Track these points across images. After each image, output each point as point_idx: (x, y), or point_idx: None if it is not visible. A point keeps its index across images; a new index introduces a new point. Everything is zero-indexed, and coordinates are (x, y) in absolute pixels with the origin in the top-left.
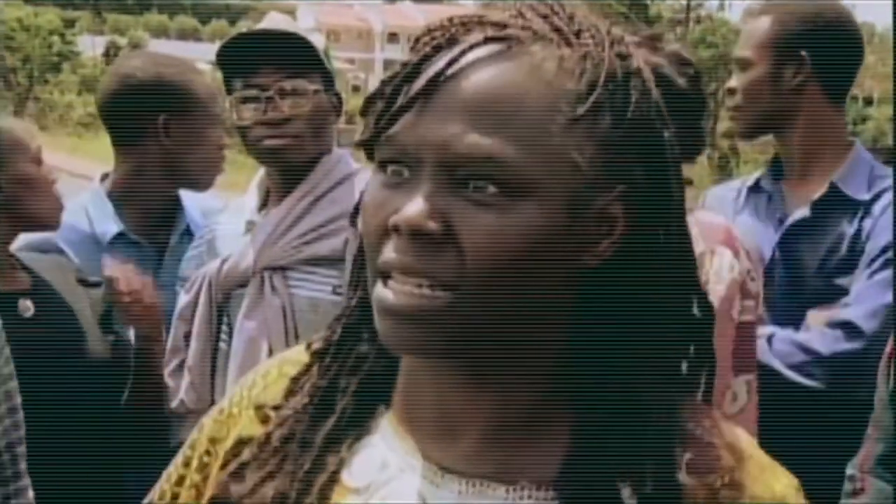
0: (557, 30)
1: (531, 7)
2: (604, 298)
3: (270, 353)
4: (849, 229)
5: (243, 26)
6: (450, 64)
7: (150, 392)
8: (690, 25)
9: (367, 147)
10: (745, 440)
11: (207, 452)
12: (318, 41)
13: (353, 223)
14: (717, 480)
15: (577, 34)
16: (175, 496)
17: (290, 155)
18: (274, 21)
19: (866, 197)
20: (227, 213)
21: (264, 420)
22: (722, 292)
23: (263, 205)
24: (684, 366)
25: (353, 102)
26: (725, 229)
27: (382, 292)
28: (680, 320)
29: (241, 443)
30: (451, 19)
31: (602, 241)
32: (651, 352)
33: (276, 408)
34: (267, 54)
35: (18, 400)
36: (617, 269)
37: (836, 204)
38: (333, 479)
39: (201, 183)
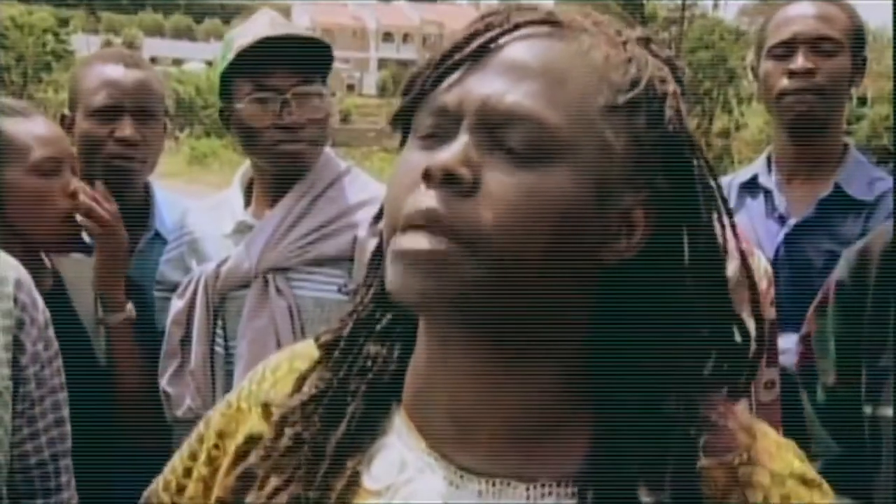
0: (605, 34)
1: (584, 14)
2: (623, 301)
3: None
4: (854, 229)
5: (236, 24)
6: (502, 34)
7: (127, 345)
8: (685, 25)
9: (405, 119)
10: (759, 422)
11: (216, 447)
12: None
13: (377, 222)
14: (734, 459)
15: (624, 44)
16: (181, 488)
17: (304, 160)
18: (275, 20)
19: (870, 198)
20: (203, 213)
21: (269, 420)
22: (765, 290)
23: (247, 203)
24: (708, 367)
25: (348, 101)
26: (741, 229)
27: (399, 239)
28: (696, 330)
29: (252, 440)
30: (507, 5)
31: (622, 240)
32: (673, 355)
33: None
34: (284, 57)
35: (66, 412)
36: (637, 273)
37: (840, 204)
38: (353, 481)
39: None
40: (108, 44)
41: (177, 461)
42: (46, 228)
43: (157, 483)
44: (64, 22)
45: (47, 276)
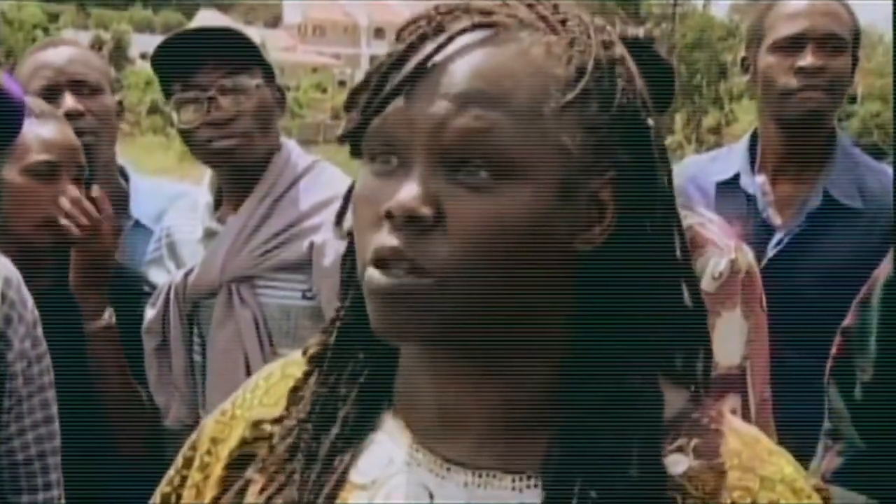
0: (543, 18)
1: None
2: (601, 286)
3: (247, 363)
4: (846, 238)
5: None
6: (438, 49)
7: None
8: (676, 21)
9: (354, 140)
10: (751, 428)
11: (209, 452)
12: (254, 35)
13: (339, 223)
14: (724, 463)
15: (563, 22)
16: (179, 498)
17: (240, 155)
18: (206, 19)
19: (859, 205)
20: (183, 213)
21: (260, 435)
22: (759, 289)
23: (217, 205)
24: (679, 356)
25: (339, 98)
26: (723, 223)
27: (372, 274)
28: (673, 309)
29: (245, 443)
30: (435, 8)
31: (593, 226)
32: (646, 340)
33: (277, 420)
34: (204, 53)
35: (55, 410)
36: (611, 256)
37: (831, 215)
38: (341, 477)
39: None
40: (97, 39)
41: (172, 473)
42: (29, 229)
43: (156, 497)
44: (54, 17)
45: (43, 276)
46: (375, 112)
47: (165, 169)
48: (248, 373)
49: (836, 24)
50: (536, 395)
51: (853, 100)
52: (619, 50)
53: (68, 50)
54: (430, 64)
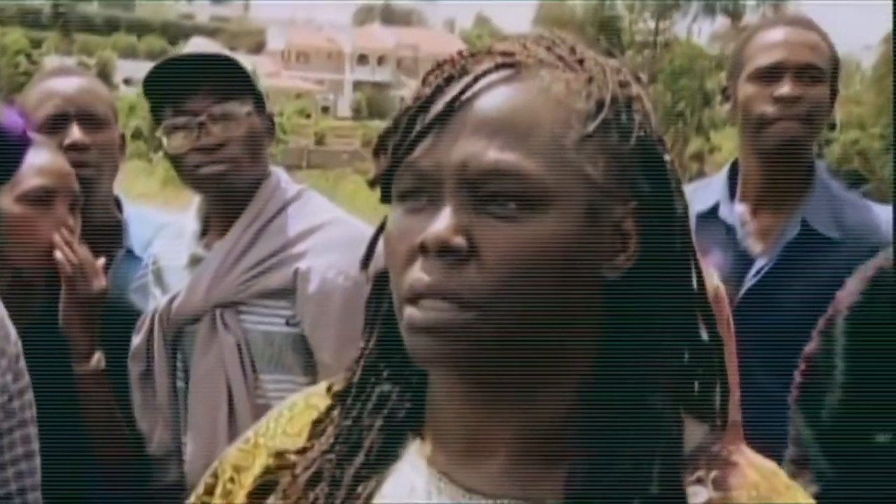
0: (561, 58)
1: (534, 40)
2: (626, 314)
3: (229, 390)
4: (824, 268)
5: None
6: (464, 89)
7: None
8: (658, 49)
9: (384, 182)
10: (769, 462)
11: (231, 480)
12: (246, 63)
13: (365, 267)
14: (743, 496)
15: (580, 62)
16: None
17: (228, 181)
18: (199, 45)
19: (837, 235)
20: (169, 240)
21: (282, 465)
22: (726, 310)
23: (204, 232)
24: (696, 385)
25: (323, 123)
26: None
27: (411, 311)
28: (687, 338)
29: (269, 471)
30: (460, 52)
31: (618, 254)
32: (667, 368)
33: (300, 451)
34: (195, 79)
35: (36, 446)
36: (635, 284)
37: (808, 245)
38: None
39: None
40: (81, 65)
41: (193, 500)
42: (26, 258)
43: None
44: (37, 44)
45: (35, 305)
46: (407, 151)
47: (148, 194)
48: (230, 400)
49: (814, 54)
50: (559, 422)
51: (833, 127)
52: (636, 89)
53: (78, 80)
54: (457, 104)
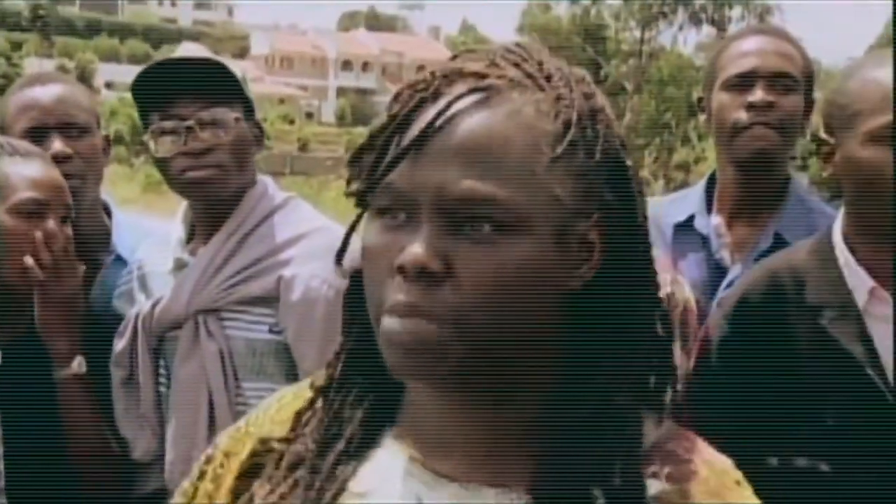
0: (530, 76)
1: (503, 56)
2: (590, 318)
3: (210, 397)
4: None
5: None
6: (439, 115)
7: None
8: (643, 59)
9: (360, 196)
10: (723, 459)
11: (221, 465)
12: (237, 69)
13: (339, 263)
14: (694, 489)
15: (548, 78)
16: None
17: (213, 187)
18: (189, 50)
19: None
20: (154, 246)
21: (266, 450)
22: (693, 321)
23: (190, 238)
24: (652, 380)
25: (306, 129)
26: (664, 258)
27: (388, 322)
28: (647, 337)
29: (254, 455)
30: (432, 73)
31: (582, 265)
32: (627, 366)
33: (283, 440)
34: (184, 83)
35: (1, 467)
36: (596, 292)
37: None
38: (342, 487)
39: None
40: (61, 68)
41: (187, 485)
42: (18, 271)
43: None
44: (17, 46)
45: (24, 317)
46: (384, 173)
47: (129, 200)
48: (212, 407)
49: (787, 63)
50: (524, 418)
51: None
52: (600, 100)
53: (57, 88)
54: (432, 129)
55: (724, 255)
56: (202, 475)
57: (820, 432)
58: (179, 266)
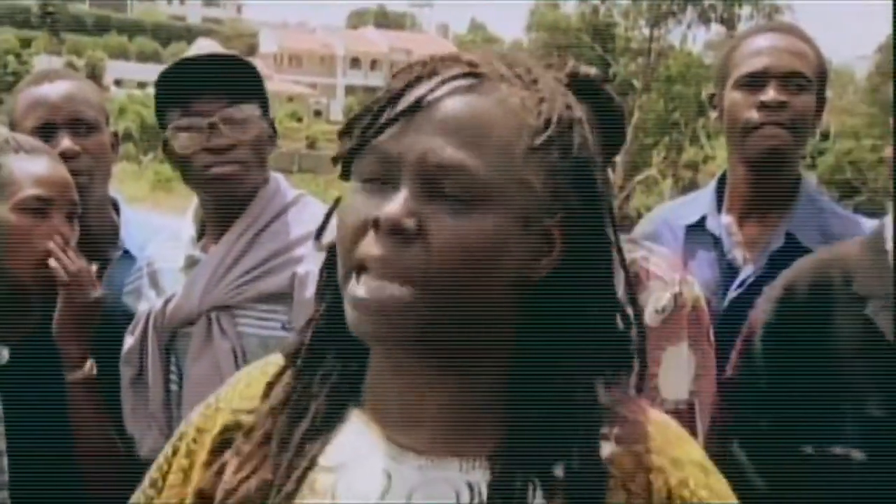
0: (519, 76)
1: (497, 56)
2: (544, 308)
3: None
4: None
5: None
6: (433, 89)
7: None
8: (652, 57)
9: (345, 161)
10: (666, 418)
11: (195, 440)
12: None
13: (319, 238)
14: (642, 448)
15: (534, 82)
16: (165, 481)
17: (235, 183)
18: (204, 47)
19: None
20: (165, 242)
21: (238, 423)
22: (705, 320)
23: (201, 235)
24: (608, 370)
25: (315, 127)
26: (674, 258)
27: (355, 287)
28: (603, 330)
29: (227, 430)
30: (431, 56)
31: (543, 258)
32: (580, 352)
33: (252, 411)
34: (207, 80)
35: (3, 445)
36: (554, 285)
37: (793, 257)
38: (312, 462)
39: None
40: (70, 66)
41: (161, 460)
42: (23, 268)
43: (145, 482)
44: (26, 43)
45: (31, 316)
46: (374, 135)
47: (137, 197)
48: None
49: (801, 62)
50: (484, 393)
51: (826, 137)
52: (578, 113)
53: (65, 85)
54: (424, 101)
55: (737, 255)
56: (175, 451)
57: (861, 421)
58: (191, 263)
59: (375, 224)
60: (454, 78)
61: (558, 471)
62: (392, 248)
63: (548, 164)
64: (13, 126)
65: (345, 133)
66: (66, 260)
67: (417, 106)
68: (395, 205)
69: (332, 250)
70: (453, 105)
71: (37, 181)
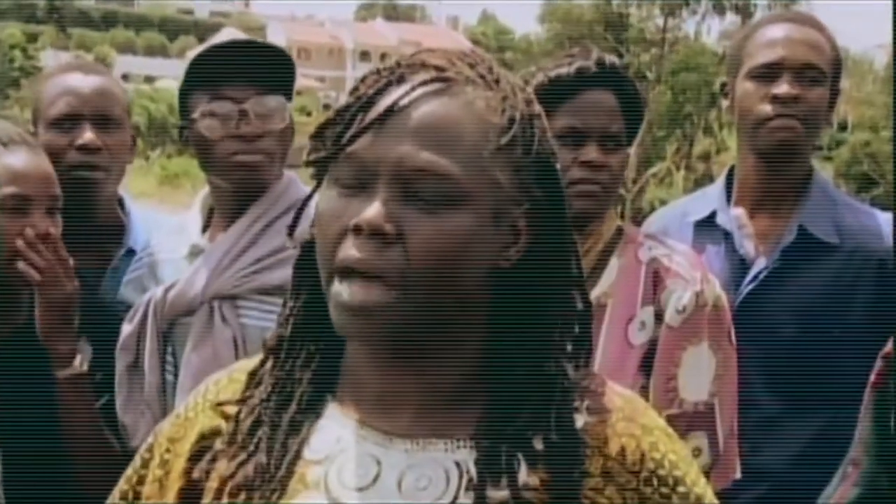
0: (482, 76)
1: (459, 57)
2: (512, 292)
3: None
4: (821, 273)
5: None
6: (404, 95)
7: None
8: (666, 48)
9: (319, 165)
10: (627, 390)
11: (168, 451)
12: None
13: (291, 234)
14: (613, 417)
15: (496, 81)
16: (137, 495)
17: (258, 173)
18: (232, 35)
19: (835, 241)
20: (168, 234)
21: (224, 416)
22: (727, 320)
23: (206, 226)
24: (569, 346)
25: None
26: (695, 256)
27: (338, 289)
28: (566, 311)
29: (204, 437)
30: (397, 62)
31: (511, 248)
32: (547, 333)
33: (239, 401)
34: (241, 67)
35: None
36: (521, 271)
37: (806, 250)
38: (297, 456)
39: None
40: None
41: (130, 472)
42: (4, 266)
43: (115, 494)
44: (33, 38)
45: (19, 312)
46: (348, 143)
47: (144, 193)
48: None
49: (815, 54)
50: (461, 375)
51: (843, 128)
52: (537, 107)
53: (96, 79)
54: (396, 107)
55: (748, 248)
56: (145, 463)
57: None
58: (195, 252)
59: (357, 229)
60: (423, 84)
61: (538, 443)
62: (372, 251)
63: (513, 160)
64: (36, 110)
65: (316, 136)
66: (34, 257)
67: (390, 112)
68: (374, 210)
69: (305, 248)
70: (424, 110)
71: (15, 177)
